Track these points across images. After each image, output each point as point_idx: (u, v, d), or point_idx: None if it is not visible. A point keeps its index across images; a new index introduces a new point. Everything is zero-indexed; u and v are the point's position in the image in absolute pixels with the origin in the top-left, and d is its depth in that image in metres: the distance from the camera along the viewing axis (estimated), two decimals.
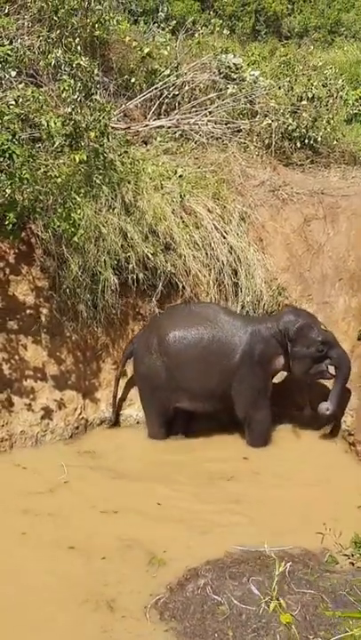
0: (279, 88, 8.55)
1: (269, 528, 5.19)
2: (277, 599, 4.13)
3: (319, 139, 8.42)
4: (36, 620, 4.28)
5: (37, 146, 6.28)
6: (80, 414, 6.72)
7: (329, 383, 6.78)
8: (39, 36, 6.94)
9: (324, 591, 4.31)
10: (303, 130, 8.35)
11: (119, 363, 6.84)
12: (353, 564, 4.72)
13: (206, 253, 6.94)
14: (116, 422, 6.87)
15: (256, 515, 5.45)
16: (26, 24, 7.08)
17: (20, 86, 6.33)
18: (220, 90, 8.38)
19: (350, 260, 7.33)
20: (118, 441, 6.68)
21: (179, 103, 8.20)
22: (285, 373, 6.84)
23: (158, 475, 6.07)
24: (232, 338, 6.54)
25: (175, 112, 8.11)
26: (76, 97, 6.51)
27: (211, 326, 6.56)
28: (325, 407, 6.59)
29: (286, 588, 4.31)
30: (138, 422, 6.93)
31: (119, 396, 6.88)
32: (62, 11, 7.00)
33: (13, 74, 6.40)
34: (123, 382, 6.93)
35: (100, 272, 6.50)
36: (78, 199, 6.21)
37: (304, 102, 8.43)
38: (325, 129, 8.44)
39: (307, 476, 6.15)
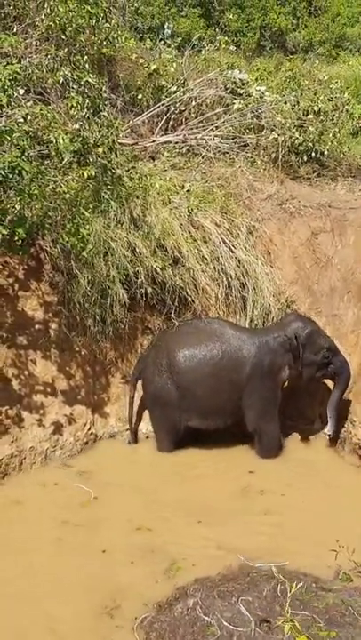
0: (285, 102, 8.60)
1: (286, 544, 5.19)
2: (290, 618, 3.97)
3: (326, 152, 8.49)
4: (44, 619, 4.41)
5: (46, 162, 6.32)
6: (89, 429, 6.70)
7: None
8: (47, 54, 7.01)
9: (318, 612, 4.21)
10: (310, 143, 8.40)
11: (130, 383, 6.82)
12: None
13: (214, 267, 6.97)
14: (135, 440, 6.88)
15: (274, 530, 5.44)
16: (34, 42, 7.16)
17: (29, 104, 6.37)
18: (227, 105, 8.46)
19: (358, 273, 7.33)
20: (129, 455, 6.68)
21: (186, 119, 8.28)
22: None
23: (176, 489, 6.08)
24: (240, 351, 6.54)
25: (182, 127, 8.18)
26: (84, 114, 6.58)
27: (219, 342, 6.56)
28: (327, 432, 6.68)
29: (278, 609, 4.22)
30: (148, 437, 6.91)
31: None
32: (70, 29, 7.07)
33: (22, 92, 6.45)
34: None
35: (108, 287, 6.52)
36: (87, 214, 6.23)
37: (310, 116, 8.49)
38: (332, 142, 8.50)
39: (317, 491, 6.11)
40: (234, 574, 4.71)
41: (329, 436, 6.72)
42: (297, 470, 6.49)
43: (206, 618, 4.22)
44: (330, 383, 6.90)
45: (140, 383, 6.81)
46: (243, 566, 4.78)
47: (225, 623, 4.15)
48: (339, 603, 4.31)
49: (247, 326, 6.97)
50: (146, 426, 6.94)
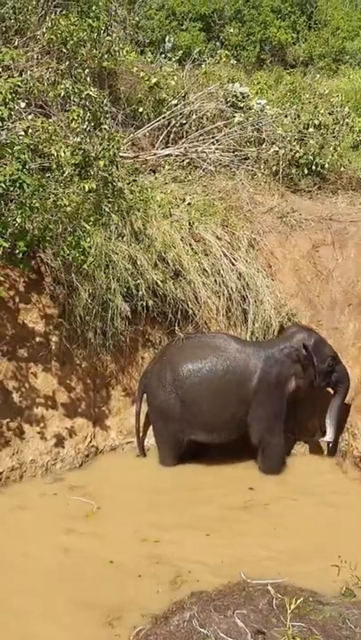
0: (286, 116, 8.65)
1: (290, 560, 5.16)
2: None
3: (326, 165, 8.51)
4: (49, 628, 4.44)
5: (47, 175, 6.34)
6: (90, 442, 6.68)
7: None
8: (48, 68, 7.05)
9: (315, 624, 4.19)
10: (310, 157, 8.44)
11: (136, 397, 6.80)
12: None
13: (215, 280, 6.96)
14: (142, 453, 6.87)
15: (279, 546, 5.41)
16: (35, 56, 7.20)
17: (30, 117, 6.41)
18: (228, 118, 8.49)
19: (359, 286, 7.32)
20: (131, 468, 6.64)
21: (186, 132, 8.30)
22: None
23: (180, 503, 6.06)
24: (246, 365, 6.51)
25: (183, 141, 8.21)
26: (85, 127, 6.61)
27: (223, 356, 6.52)
28: (326, 440, 6.70)
29: (274, 621, 4.21)
30: (148, 449, 6.88)
31: (129, 424, 6.85)
32: (71, 42, 7.13)
33: (23, 105, 6.49)
34: (132, 410, 6.89)
35: (109, 299, 6.51)
36: (88, 227, 6.24)
37: (311, 129, 8.53)
38: (332, 156, 8.53)
39: (319, 506, 6.07)
40: (230, 589, 4.69)
41: (328, 443, 6.69)
42: (299, 484, 6.45)
43: (203, 630, 4.20)
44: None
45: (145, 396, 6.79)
46: (240, 581, 4.76)
47: (221, 635, 4.13)
48: (336, 616, 4.29)
49: (248, 339, 6.95)
50: (148, 438, 6.90)
